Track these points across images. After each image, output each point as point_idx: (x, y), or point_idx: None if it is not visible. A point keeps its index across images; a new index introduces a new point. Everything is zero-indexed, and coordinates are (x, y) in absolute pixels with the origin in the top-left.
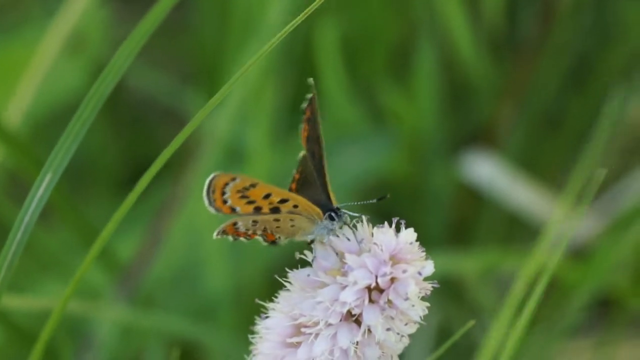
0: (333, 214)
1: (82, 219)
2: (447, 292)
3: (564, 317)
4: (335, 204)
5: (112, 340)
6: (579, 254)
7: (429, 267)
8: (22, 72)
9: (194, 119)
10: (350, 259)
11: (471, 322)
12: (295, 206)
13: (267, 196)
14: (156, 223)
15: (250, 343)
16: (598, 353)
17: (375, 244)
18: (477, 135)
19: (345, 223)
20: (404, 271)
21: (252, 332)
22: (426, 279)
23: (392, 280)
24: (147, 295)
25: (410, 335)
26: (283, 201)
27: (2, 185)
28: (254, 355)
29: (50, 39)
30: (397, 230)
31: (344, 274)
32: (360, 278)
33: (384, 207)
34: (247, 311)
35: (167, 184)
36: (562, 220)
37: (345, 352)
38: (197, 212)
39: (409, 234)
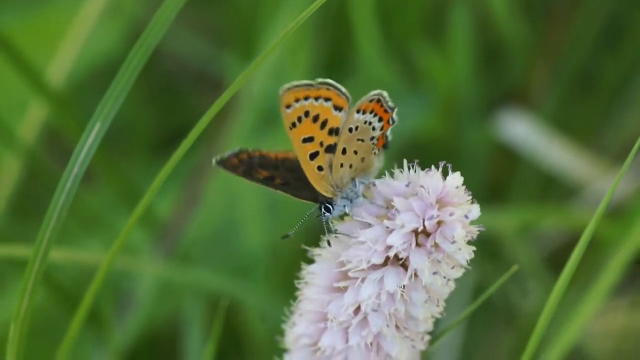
0: (328, 207)
1: (122, 178)
2: (483, 251)
3: (600, 277)
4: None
5: (151, 296)
6: (615, 213)
7: (475, 211)
8: (63, 36)
9: (234, 84)
10: (397, 201)
11: (514, 267)
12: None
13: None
14: (193, 182)
15: (288, 300)
16: (634, 312)
17: (422, 187)
18: (512, 95)
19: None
20: (451, 214)
21: (289, 290)
22: (472, 223)
23: (439, 223)
24: (184, 253)
25: (451, 290)
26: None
27: (43, 146)
28: (299, 300)
29: (90, 2)
30: (444, 175)
31: (391, 218)
32: (408, 221)
33: (420, 166)
34: (283, 269)
35: (203, 143)
36: (599, 179)
37: (391, 296)
38: None
39: (455, 178)
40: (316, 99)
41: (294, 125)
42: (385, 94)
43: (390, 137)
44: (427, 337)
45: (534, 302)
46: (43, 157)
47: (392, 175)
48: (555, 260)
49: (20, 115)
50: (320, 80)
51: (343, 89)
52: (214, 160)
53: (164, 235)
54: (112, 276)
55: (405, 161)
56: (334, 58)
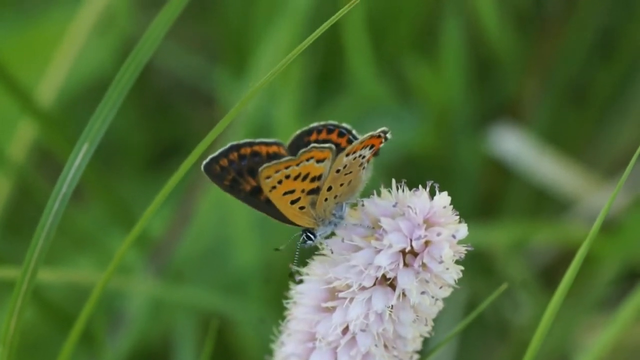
0: (309, 235)
1: (114, 196)
2: (475, 268)
3: (592, 291)
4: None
5: (143, 315)
6: (606, 228)
7: (462, 230)
8: (54, 51)
9: (230, 112)
10: (385, 222)
11: (504, 285)
12: None
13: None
14: (186, 200)
15: (280, 318)
16: (625, 326)
17: (409, 207)
18: (504, 110)
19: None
20: (438, 234)
21: (282, 307)
22: (460, 242)
23: (427, 243)
24: (177, 271)
25: (439, 309)
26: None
27: (34, 164)
28: (288, 320)
29: (81, 18)
30: (432, 194)
31: (378, 238)
32: (395, 241)
33: (412, 181)
34: (276, 286)
35: (196, 160)
36: (592, 193)
37: (380, 316)
38: None
39: (443, 198)
40: (298, 164)
41: (273, 188)
42: (378, 132)
43: (381, 146)
44: (416, 356)
45: (526, 316)
46: (34, 175)
47: (379, 194)
48: (548, 275)
49: (11, 132)
50: (302, 151)
51: (326, 146)
52: (202, 165)
53: (156, 253)
54: (104, 294)
55: (393, 180)
56: (326, 73)
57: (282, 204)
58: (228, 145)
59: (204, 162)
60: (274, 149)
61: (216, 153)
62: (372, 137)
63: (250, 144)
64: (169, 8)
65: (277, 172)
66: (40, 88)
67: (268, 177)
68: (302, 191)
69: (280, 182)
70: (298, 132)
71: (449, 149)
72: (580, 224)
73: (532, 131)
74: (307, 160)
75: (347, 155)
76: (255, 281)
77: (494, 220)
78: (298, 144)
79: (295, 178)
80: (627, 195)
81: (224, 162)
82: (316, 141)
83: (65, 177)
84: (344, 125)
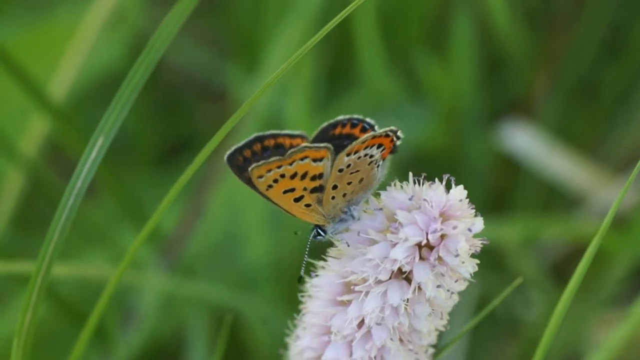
0: (319, 231)
1: (126, 191)
2: (487, 264)
3: (603, 287)
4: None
5: (155, 310)
6: (617, 224)
7: (478, 224)
8: (65, 47)
9: (247, 101)
10: (401, 215)
11: (518, 280)
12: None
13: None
14: (197, 195)
15: (292, 313)
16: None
17: (425, 200)
18: (514, 105)
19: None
20: (454, 227)
21: (293, 303)
22: (475, 236)
23: (443, 237)
24: (188, 266)
25: (455, 303)
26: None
27: (46, 159)
28: (303, 314)
29: (93, 14)
30: (447, 188)
31: (394, 232)
32: (411, 235)
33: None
34: (287, 282)
35: (207, 156)
36: (602, 189)
37: (395, 309)
38: (237, 185)
39: (459, 191)
40: (290, 164)
41: (270, 187)
42: (383, 132)
43: (398, 143)
44: (431, 350)
45: (537, 312)
46: (46, 171)
47: (396, 187)
48: (558, 271)
49: (23, 128)
50: (291, 150)
51: (320, 145)
52: (225, 156)
53: (168, 248)
54: (115, 289)
55: (410, 174)
56: (337, 69)
57: (284, 202)
58: (252, 136)
59: (228, 153)
60: (297, 141)
61: (240, 144)
62: (375, 137)
63: (275, 136)
64: (181, 4)
65: (269, 171)
66: (52, 84)
67: (260, 177)
68: (305, 189)
69: (276, 181)
70: (324, 125)
71: (460, 144)
72: (591, 219)
73: (542, 127)
74: (302, 159)
75: (348, 154)
76: (266, 277)
77: (505, 216)
78: (322, 138)
79: (293, 177)
80: (638, 191)
81: (247, 153)
82: (340, 135)
83: (81, 171)
84: (368, 120)
